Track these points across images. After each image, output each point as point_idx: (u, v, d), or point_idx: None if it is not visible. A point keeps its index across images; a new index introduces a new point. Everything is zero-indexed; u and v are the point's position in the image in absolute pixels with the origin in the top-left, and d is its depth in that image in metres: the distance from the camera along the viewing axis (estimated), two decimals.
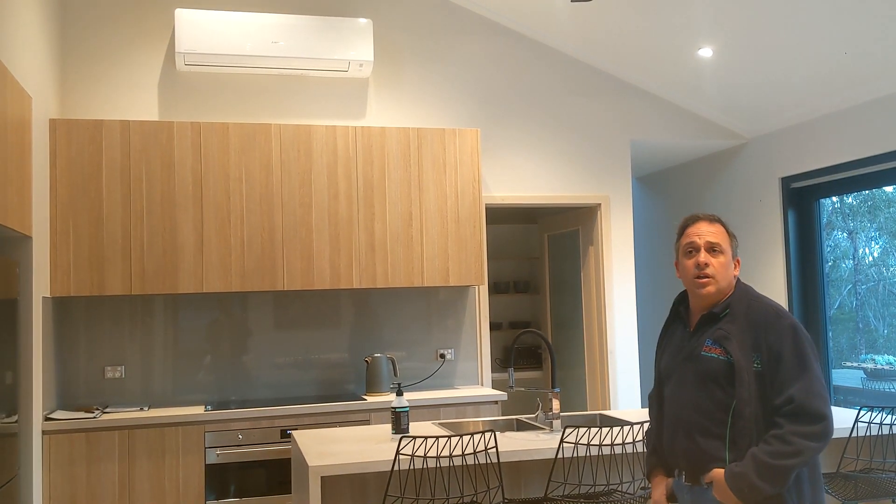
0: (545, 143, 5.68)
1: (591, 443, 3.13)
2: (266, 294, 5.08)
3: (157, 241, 4.60)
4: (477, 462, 3.02)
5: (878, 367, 5.51)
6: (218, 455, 4.42)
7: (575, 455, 3.16)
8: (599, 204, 5.78)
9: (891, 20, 4.25)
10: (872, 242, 5.70)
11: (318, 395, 5.09)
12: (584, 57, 5.75)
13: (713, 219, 2.49)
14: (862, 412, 3.42)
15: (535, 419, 3.78)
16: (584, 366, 6.03)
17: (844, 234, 5.84)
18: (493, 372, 6.15)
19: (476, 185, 5.11)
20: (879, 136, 4.96)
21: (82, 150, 4.53)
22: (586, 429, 3.16)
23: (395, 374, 5.03)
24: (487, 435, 3.06)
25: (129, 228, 4.57)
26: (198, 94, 5.10)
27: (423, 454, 2.96)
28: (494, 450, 3.05)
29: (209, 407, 4.63)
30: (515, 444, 3.26)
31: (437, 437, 3.02)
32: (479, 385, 5.38)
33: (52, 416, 4.26)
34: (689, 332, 2.48)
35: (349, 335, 5.21)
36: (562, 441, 3.10)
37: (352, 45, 5.00)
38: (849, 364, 5.69)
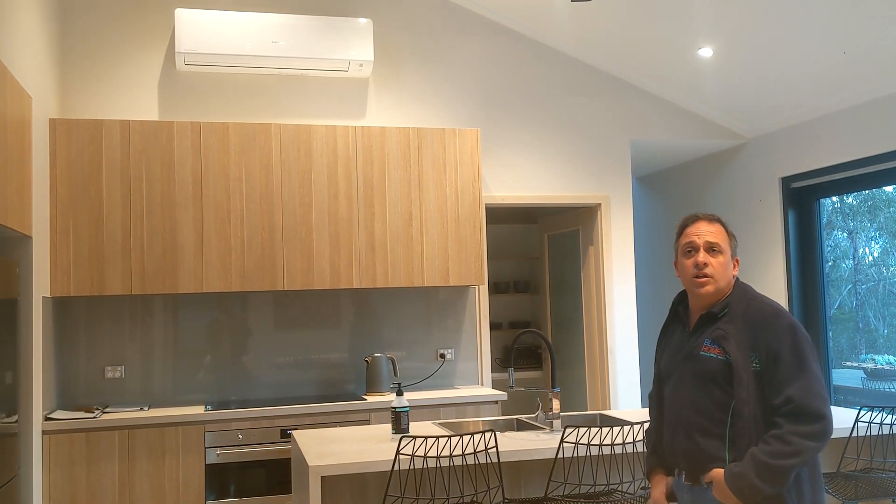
0: (545, 143, 5.68)
1: (591, 443, 3.13)
2: (266, 294, 5.08)
3: (157, 240, 4.60)
4: (477, 462, 3.02)
5: (878, 366, 5.51)
6: (218, 455, 4.42)
7: (575, 455, 3.16)
8: (599, 204, 5.78)
9: (891, 20, 4.25)
10: (872, 242, 5.70)
11: (318, 394, 5.09)
12: (583, 57, 5.75)
13: (712, 218, 2.49)
14: (862, 412, 3.42)
15: (535, 419, 3.78)
16: (584, 365, 6.03)
17: (844, 234, 5.84)
18: (493, 372, 6.15)
19: (476, 184, 5.11)
20: (879, 136, 4.96)
21: (82, 150, 4.53)
22: (586, 429, 3.16)
23: (395, 374, 5.03)
24: (487, 435, 3.06)
25: (129, 228, 4.57)
26: (198, 94, 5.10)
27: (423, 454, 2.96)
28: (494, 450, 3.05)
29: (209, 407, 4.63)
30: (515, 444, 3.26)
31: (437, 437, 3.02)
32: (479, 385, 5.38)
33: (52, 415, 4.26)
34: (689, 331, 2.48)
35: (349, 335, 5.21)
36: (562, 441, 3.10)
37: (352, 45, 5.00)
38: (849, 364, 5.69)
